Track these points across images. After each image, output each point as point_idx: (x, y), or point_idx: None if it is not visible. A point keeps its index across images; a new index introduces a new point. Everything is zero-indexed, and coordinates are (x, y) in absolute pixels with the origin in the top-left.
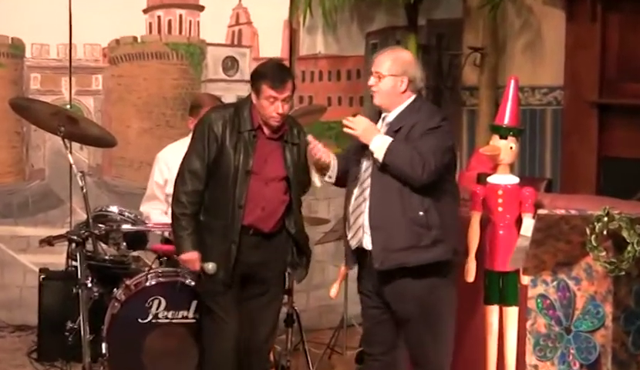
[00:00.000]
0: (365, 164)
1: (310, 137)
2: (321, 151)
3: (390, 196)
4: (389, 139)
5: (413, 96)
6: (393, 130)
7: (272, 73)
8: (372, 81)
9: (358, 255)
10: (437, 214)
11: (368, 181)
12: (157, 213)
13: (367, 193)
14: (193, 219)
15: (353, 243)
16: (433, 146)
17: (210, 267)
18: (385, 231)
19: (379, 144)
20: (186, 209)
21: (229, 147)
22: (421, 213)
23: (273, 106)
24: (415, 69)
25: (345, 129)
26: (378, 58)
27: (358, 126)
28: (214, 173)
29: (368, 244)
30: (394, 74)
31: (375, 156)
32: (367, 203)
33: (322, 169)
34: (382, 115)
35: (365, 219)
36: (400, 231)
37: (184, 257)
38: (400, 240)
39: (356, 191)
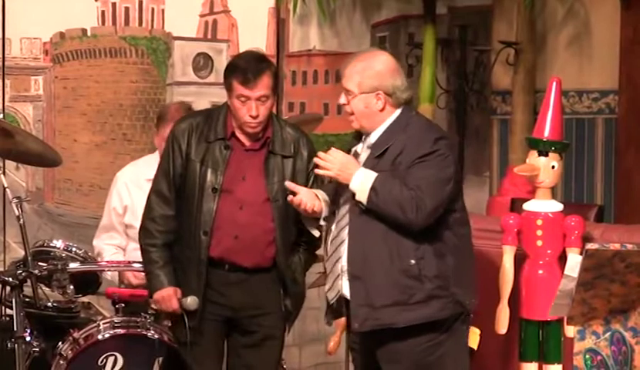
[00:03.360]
0: (344, 197)
1: (289, 184)
2: (304, 201)
3: (372, 239)
4: (373, 176)
5: (398, 111)
6: (374, 156)
7: (244, 66)
8: (342, 99)
9: (343, 305)
10: (435, 262)
11: (347, 218)
12: (111, 249)
13: (345, 233)
14: (164, 249)
15: (331, 296)
16: (428, 180)
17: (190, 301)
18: (365, 283)
19: (360, 183)
20: (154, 238)
21: (195, 161)
22: (412, 261)
23: (245, 107)
24: (392, 78)
25: (318, 171)
26: (346, 70)
27: (332, 163)
28: (180, 193)
29: (348, 293)
30: (365, 91)
31: (357, 197)
32: (345, 247)
33: (313, 217)
34: (363, 136)
35: (343, 264)
36: (385, 284)
37: (157, 295)
38: (385, 295)
39: (333, 230)
